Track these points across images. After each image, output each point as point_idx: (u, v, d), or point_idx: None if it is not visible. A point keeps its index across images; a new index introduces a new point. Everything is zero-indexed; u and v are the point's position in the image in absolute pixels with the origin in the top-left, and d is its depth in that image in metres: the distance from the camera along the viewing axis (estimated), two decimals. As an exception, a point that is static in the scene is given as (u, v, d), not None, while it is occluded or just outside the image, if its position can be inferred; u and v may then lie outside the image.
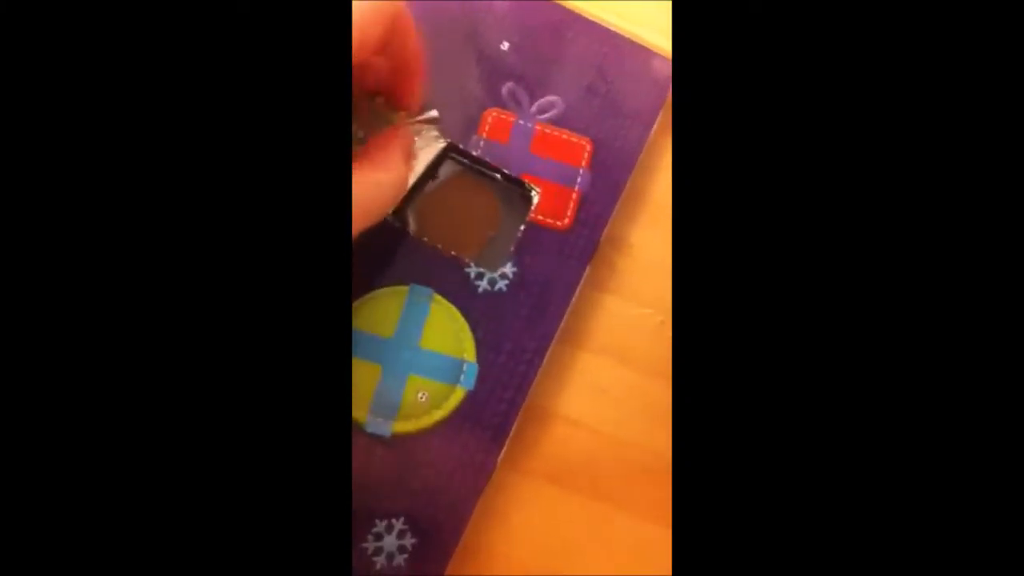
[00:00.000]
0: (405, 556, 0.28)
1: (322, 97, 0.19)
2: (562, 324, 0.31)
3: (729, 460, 0.19)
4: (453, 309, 0.31)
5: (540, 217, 0.32)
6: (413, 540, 0.28)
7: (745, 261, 0.19)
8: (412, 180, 0.31)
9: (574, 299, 0.31)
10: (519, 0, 0.35)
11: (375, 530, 0.28)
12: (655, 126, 0.34)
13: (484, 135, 0.33)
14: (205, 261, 0.19)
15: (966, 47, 0.19)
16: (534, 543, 0.30)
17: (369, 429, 0.29)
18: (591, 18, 0.35)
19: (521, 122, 0.33)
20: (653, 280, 0.34)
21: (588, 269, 0.32)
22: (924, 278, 0.19)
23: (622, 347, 0.33)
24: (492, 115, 0.33)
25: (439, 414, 0.29)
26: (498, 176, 0.33)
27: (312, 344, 0.19)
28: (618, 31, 0.35)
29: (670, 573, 0.30)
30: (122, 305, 0.18)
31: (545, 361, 0.31)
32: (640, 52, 0.34)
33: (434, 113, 0.29)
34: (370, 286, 0.30)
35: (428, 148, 0.32)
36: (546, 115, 0.33)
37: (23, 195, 0.18)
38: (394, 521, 0.28)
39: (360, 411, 0.29)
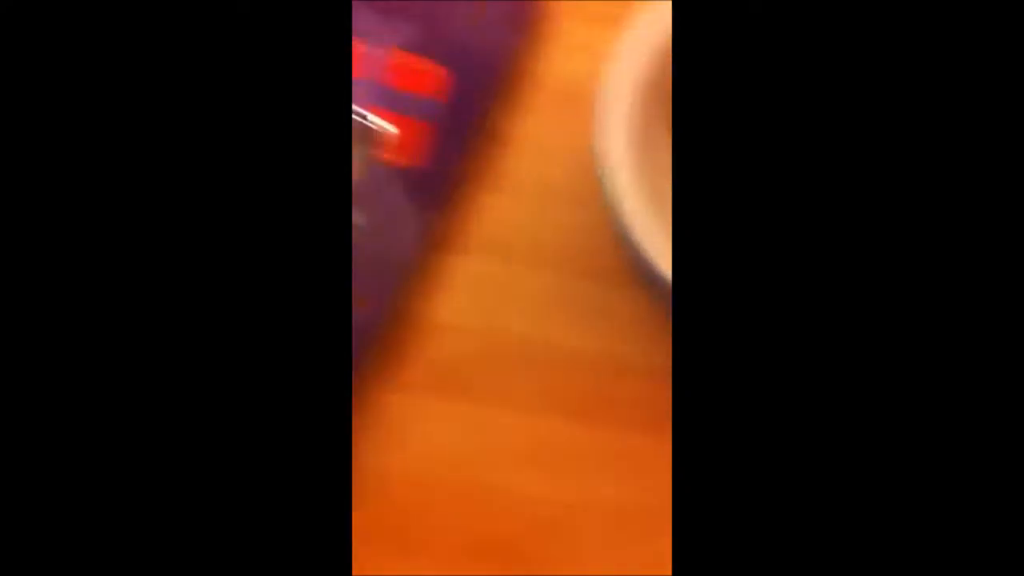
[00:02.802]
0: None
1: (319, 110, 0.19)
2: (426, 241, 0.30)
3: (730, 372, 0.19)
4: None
5: (393, 157, 0.30)
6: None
7: (743, 248, 0.19)
8: None
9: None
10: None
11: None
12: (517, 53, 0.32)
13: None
14: (202, 264, 0.18)
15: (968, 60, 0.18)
16: (429, 456, 0.30)
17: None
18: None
19: (374, 50, 0.31)
20: (535, 171, 0.32)
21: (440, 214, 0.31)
22: (923, 285, 0.18)
23: (504, 243, 0.31)
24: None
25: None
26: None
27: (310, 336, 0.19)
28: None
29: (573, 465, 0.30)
30: (116, 312, 0.18)
31: (427, 270, 0.30)
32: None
33: None
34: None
35: None
36: (402, 42, 0.31)
37: (12, 194, 0.18)
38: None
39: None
